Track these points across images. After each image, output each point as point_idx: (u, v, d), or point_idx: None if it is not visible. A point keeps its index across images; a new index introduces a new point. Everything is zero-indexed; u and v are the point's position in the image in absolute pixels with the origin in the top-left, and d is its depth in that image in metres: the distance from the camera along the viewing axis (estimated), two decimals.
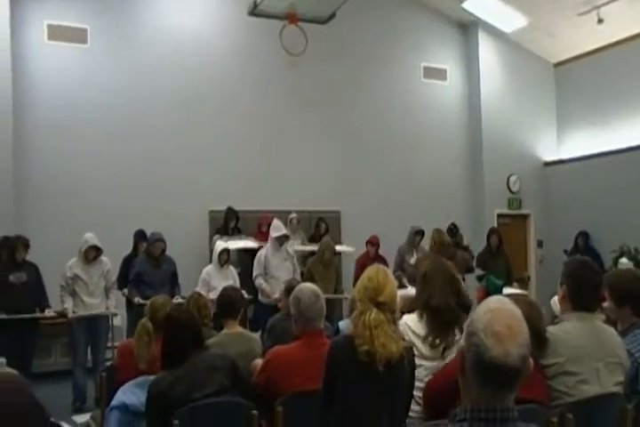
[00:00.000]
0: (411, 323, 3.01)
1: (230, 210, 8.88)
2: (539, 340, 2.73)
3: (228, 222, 8.81)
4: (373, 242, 8.67)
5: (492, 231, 9.21)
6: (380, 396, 2.63)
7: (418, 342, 2.94)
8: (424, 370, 2.90)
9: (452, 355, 2.87)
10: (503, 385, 1.51)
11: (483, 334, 1.49)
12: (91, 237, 6.70)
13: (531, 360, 1.52)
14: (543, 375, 2.83)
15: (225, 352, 3.29)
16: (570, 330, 2.91)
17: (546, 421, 2.63)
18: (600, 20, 9.96)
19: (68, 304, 6.61)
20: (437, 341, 2.93)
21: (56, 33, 8.81)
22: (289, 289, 4.15)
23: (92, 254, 6.70)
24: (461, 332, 2.91)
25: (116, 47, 9.22)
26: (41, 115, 8.64)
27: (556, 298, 4.33)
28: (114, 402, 3.43)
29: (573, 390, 2.79)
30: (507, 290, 6.61)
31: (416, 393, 2.86)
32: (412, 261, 8.29)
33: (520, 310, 1.57)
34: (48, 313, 6.53)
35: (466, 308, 3.04)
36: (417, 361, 2.87)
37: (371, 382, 2.62)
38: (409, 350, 2.73)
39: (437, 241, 5.94)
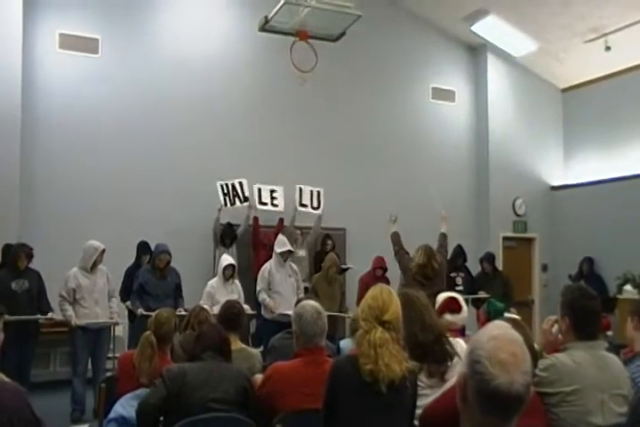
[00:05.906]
0: None
1: (229, 226, 8.87)
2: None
3: (225, 239, 8.80)
4: (382, 266, 8.46)
5: (483, 258, 9.15)
6: (381, 417, 2.60)
7: None
8: (425, 398, 2.83)
9: (450, 381, 2.83)
10: (507, 413, 1.50)
11: (487, 363, 1.47)
12: (98, 244, 6.75)
13: (531, 387, 1.51)
14: (544, 404, 2.79)
15: (242, 370, 3.34)
16: (578, 360, 2.86)
17: None
18: (608, 48, 10.09)
19: (71, 312, 6.58)
20: (432, 369, 2.89)
21: (67, 42, 8.86)
22: None
23: (99, 260, 6.75)
24: (451, 358, 2.91)
25: (126, 58, 9.27)
26: (50, 124, 8.67)
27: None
28: (112, 414, 3.41)
29: (576, 421, 2.75)
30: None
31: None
32: None
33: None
34: (52, 315, 6.61)
35: (437, 339, 3.03)
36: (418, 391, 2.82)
37: (373, 402, 2.59)
38: (412, 372, 2.70)
39: (422, 263, 5.81)
